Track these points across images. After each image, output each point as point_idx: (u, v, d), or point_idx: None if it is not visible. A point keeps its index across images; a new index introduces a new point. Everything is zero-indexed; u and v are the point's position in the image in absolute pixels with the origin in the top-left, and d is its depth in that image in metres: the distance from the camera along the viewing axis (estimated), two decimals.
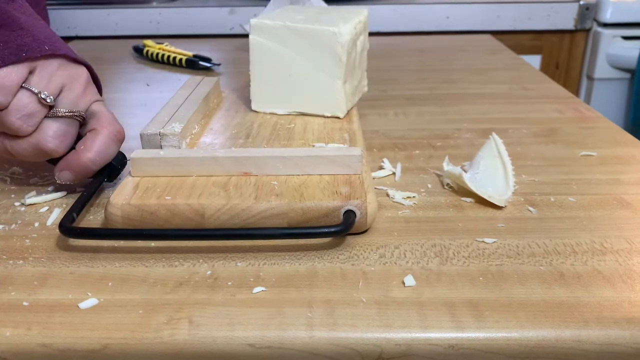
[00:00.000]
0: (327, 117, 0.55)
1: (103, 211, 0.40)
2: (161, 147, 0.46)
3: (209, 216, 0.38)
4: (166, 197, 0.39)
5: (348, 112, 0.57)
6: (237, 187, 0.40)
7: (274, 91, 0.55)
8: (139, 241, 0.38)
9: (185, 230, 0.38)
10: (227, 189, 0.40)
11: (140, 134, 0.46)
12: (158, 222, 0.38)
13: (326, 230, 0.36)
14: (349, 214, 0.37)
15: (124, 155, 0.45)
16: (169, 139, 0.46)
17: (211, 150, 0.43)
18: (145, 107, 0.66)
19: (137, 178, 0.42)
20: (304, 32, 0.52)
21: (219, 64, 0.83)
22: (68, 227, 0.37)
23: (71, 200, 0.44)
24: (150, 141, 0.46)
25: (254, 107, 0.57)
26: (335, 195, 0.39)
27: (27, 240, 0.39)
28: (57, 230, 0.40)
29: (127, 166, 0.44)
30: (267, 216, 0.38)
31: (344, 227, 0.36)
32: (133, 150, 0.43)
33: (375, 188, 0.46)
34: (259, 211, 0.38)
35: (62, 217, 0.39)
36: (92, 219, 0.42)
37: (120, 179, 0.45)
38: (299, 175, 0.42)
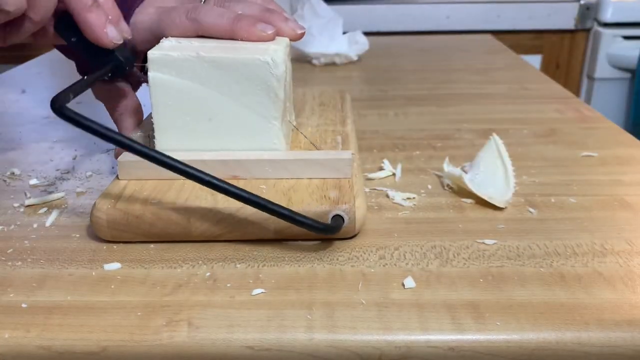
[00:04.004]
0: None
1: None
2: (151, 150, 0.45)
3: (195, 220, 0.37)
4: (152, 201, 0.38)
5: (342, 114, 0.54)
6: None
7: (188, 141, 0.43)
8: (138, 243, 0.38)
9: (186, 165, 0.36)
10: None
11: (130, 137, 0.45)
12: (143, 226, 0.38)
13: (312, 222, 0.35)
14: (337, 219, 0.37)
15: (133, 56, 0.44)
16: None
17: (199, 154, 0.42)
18: (145, 108, 0.66)
19: (124, 181, 0.41)
20: (224, 63, 0.40)
21: None
22: (60, 106, 0.35)
23: (70, 201, 0.44)
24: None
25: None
26: (324, 199, 0.38)
27: (26, 242, 0.39)
28: (57, 232, 0.40)
29: (115, 169, 0.43)
30: (254, 220, 0.37)
31: (328, 228, 0.36)
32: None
33: (375, 189, 0.46)
34: (245, 216, 0.37)
35: (55, 219, 0.39)
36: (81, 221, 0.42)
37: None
38: (288, 178, 0.41)
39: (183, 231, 0.38)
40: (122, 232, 0.38)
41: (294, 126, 0.48)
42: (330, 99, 0.58)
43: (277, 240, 0.38)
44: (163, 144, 0.43)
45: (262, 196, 0.38)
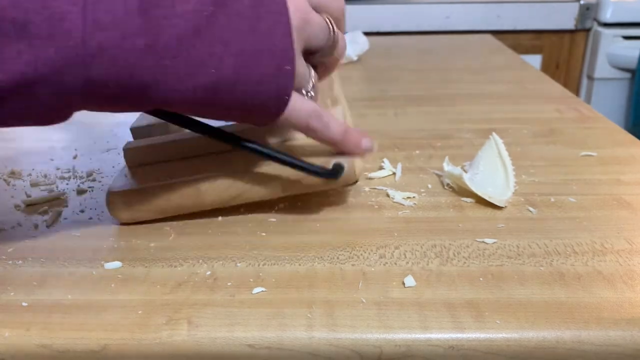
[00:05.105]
0: None
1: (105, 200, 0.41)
2: None
3: (206, 189, 0.39)
4: (162, 178, 0.40)
5: (329, 81, 0.55)
6: (231, 161, 0.41)
7: None
8: (138, 241, 0.38)
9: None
10: (221, 164, 0.41)
11: (131, 128, 0.47)
12: (158, 202, 0.39)
13: (319, 170, 0.38)
14: (337, 166, 0.39)
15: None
16: (159, 130, 0.47)
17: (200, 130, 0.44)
18: None
19: (133, 167, 0.43)
20: None
21: None
22: None
23: (70, 200, 0.44)
24: (140, 134, 0.46)
25: None
26: (322, 151, 0.40)
27: (27, 241, 0.39)
28: (57, 231, 0.40)
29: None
30: (260, 181, 0.39)
31: (331, 172, 0.38)
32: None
33: (375, 188, 0.46)
34: (252, 176, 0.39)
35: (56, 218, 0.39)
36: (82, 220, 0.42)
37: None
38: (287, 142, 0.43)
39: (195, 202, 0.39)
40: (138, 212, 0.39)
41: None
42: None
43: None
44: None
45: (265, 161, 0.40)
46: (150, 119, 0.46)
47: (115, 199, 0.39)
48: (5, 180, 0.48)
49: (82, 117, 0.56)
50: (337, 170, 0.39)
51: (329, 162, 0.39)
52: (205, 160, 0.42)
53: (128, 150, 0.43)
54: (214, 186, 0.39)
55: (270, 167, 0.40)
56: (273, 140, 0.43)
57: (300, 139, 0.43)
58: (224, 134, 0.37)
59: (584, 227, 0.40)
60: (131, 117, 0.50)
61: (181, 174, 0.40)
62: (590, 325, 0.30)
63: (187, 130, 0.44)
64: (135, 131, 0.46)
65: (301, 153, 0.40)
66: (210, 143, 0.42)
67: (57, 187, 0.47)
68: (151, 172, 0.42)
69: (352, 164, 0.39)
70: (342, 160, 0.39)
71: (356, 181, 0.41)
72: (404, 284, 0.34)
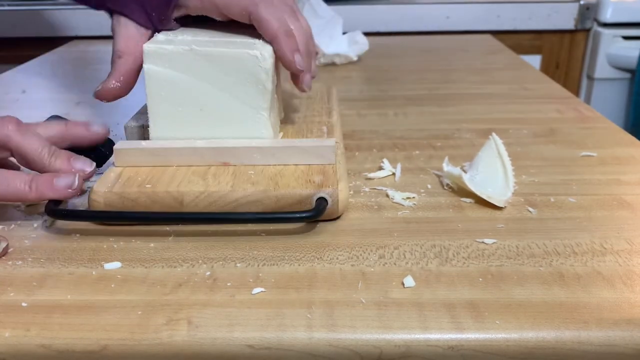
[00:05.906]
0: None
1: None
2: (144, 139, 0.46)
3: (188, 203, 0.39)
4: (147, 185, 0.40)
5: (328, 106, 0.56)
6: (216, 176, 0.41)
7: (181, 129, 0.45)
8: (138, 241, 0.38)
9: (163, 213, 0.39)
10: (206, 178, 0.41)
11: (125, 126, 0.47)
12: (138, 209, 0.40)
13: (297, 215, 0.38)
14: (321, 201, 0.39)
15: (113, 142, 0.45)
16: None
17: (191, 141, 0.44)
18: (140, 98, 0.66)
19: (120, 168, 0.43)
20: (216, 57, 0.42)
21: None
22: (54, 209, 0.39)
23: (70, 200, 0.44)
24: (133, 133, 0.47)
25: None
26: (309, 183, 0.40)
27: (26, 241, 0.39)
28: (57, 231, 0.40)
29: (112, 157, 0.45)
30: (243, 203, 0.39)
31: (314, 213, 0.38)
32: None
33: (375, 188, 0.46)
34: (235, 198, 0.39)
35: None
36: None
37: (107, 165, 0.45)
38: (275, 165, 0.43)
39: (176, 212, 0.40)
40: None
41: None
42: (317, 92, 0.60)
43: (252, 221, 0.40)
44: (157, 133, 0.45)
45: (251, 181, 0.40)
46: (145, 120, 0.46)
47: (97, 198, 0.40)
48: None
49: (81, 116, 0.56)
50: (321, 205, 0.38)
51: (313, 196, 0.39)
52: (192, 174, 0.42)
53: (119, 151, 0.43)
54: (197, 201, 0.39)
55: (252, 190, 0.39)
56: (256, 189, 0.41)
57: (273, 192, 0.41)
58: (212, 217, 0.39)
59: (584, 227, 0.40)
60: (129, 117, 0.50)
61: (166, 183, 0.40)
62: (589, 325, 0.30)
63: (180, 140, 0.44)
64: (129, 130, 0.46)
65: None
66: (200, 157, 0.43)
67: None
68: (138, 175, 0.41)
69: (336, 200, 0.39)
70: (326, 195, 0.39)
71: (339, 216, 0.41)
72: (403, 284, 0.34)
